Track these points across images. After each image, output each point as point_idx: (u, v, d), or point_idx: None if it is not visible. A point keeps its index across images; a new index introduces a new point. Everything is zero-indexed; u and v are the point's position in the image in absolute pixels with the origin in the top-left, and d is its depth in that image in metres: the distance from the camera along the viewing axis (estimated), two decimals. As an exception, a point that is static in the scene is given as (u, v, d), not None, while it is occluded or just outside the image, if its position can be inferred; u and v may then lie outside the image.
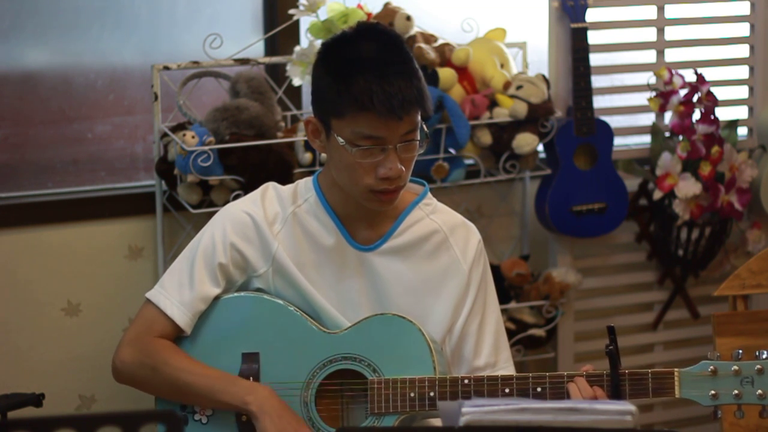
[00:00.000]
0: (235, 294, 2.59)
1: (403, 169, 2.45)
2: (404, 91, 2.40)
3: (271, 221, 2.58)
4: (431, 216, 2.63)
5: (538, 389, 2.44)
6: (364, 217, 2.58)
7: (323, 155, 3.21)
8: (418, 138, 2.47)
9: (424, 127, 2.49)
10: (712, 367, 2.39)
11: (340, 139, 2.43)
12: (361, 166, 2.44)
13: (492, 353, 2.62)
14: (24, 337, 3.31)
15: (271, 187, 2.64)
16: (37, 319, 3.32)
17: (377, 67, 2.41)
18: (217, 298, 2.58)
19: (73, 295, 3.34)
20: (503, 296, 3.52)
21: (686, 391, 2.40)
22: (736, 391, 2.38)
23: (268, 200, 2.60)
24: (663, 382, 2.41)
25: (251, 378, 2.53)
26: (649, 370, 2.42)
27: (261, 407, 2.45)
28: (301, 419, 2.49)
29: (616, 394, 2.41)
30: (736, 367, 2.38)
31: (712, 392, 2.38)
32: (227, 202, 3.20)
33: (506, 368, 2.63)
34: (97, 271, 3.36)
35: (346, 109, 2.41)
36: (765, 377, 2.37)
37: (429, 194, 2.66)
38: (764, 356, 2.37)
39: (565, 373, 2.45)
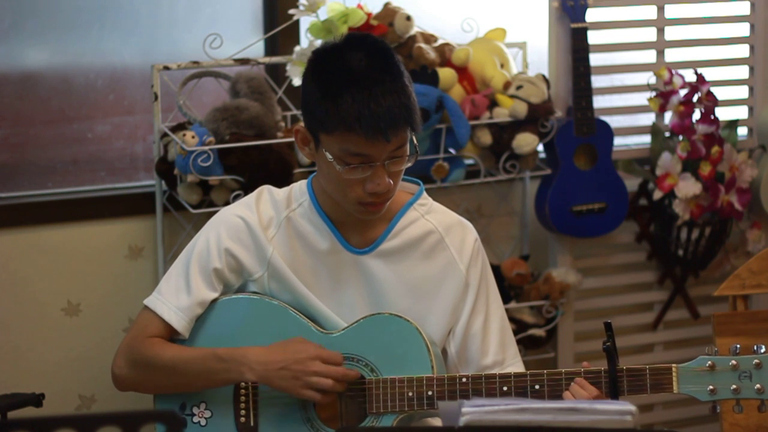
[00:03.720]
0: (233, 296, 2.59)
1: (391, 182, 2.44)
2: (393, 110, 2.37)
3: (265, 225, 2.58)
4: (426, 216, 2.62)
5: (536, 387, 2.44)
6: (358, 221, 2.56)
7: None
8: (408, 153, 2.45)
9: (414, 139, 2.46)
10: (710, 362, 2.39)
11: (329, 155, 2.42)
12: (350, 181, 2.43)
13: (499, 351, 2.61)
14: (24, 337, 3.31)
15: (266, 191, 2.63)
16: (37, 319, 3.32)
17: (366, 85, 2.37)
18: (214, 300, 2.58)
19: (73, 295, 3.34)
20: (503, 296, 3.49)
21: (684, 387, 2.40)
22: (734, 386, 2.38)
23: (263, 204, 2.60)
24: (661, 378, 2.41)
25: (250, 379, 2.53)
26: (647, 366, 2.42)
27: (259, 374, 2.45)
28: (300, 349, 2.46)
29: (614, 390, 2.41)
30: (734, 362, 2.38)
31: (710, 387, 2.39)
32: (227, 202, 3.20)
33: (515, 364, 2.62)
34: (97, 271, 3.36)
35: (334, 127, 2.39)
36: (763, 372, 2.37)
37: (424, 194, 2.64)
38: (762, 351, 2.38)
39: (563, 370, 2.45)
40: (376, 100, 2.36)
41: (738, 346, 2.38)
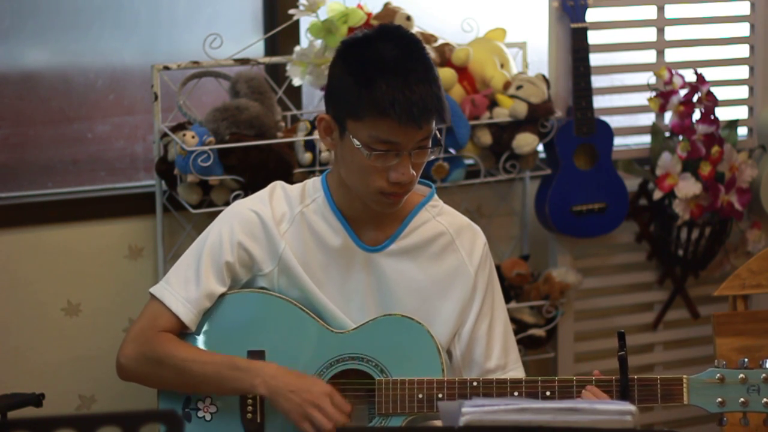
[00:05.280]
0: (242, 291, 2.59)
1: (414, 173, 2.46)
2: (425, 99, 2.40)
3: (278, 220, 2.58)
4: (438, 218, 2.63)
5: (548, 393, 2.44)
6: (371, 218, 2.57)
7: (324, 155, 3.22)
8: (431, 145, 2.47)
9: (438, 133, 2.49)
10: (719, 374, 2.40)
11: (356, 141, 2.43)
12: (374, 169, 2.44)
13: (502, 355, 2.62)
14: (24, 337, 3.31)
15: (279, 187, 2.63)
16: (37, 319, 3.32)
17: (400, 72, 2.40)
18: (223, 295, 2.57)
19: (73, 295, 3.34)
20: (503, 296, 3.52)
21: (695, 398, 2.41)
22: (742, 399, 2.39)
23: (276, 199, 2.60)
24: (671, 389, 2.42)
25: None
26: (658, 377, 2.43)
27: (270, 388, 2.45)
28: (316, 382, 2.46)
29: (624, 399, 2.41)
30: (742, 375, 2.39)
31: (719, 399, 2.40)
32: (227, 202, 3.20)
33: (516, 369, 2.63)
34: (97, 271, 3.36)
35: (366, 113, 2.40)
36: None
37: (435, 196, 2.66)
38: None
39: (575, 377, 2.45)
40: (410, 87, 2.39)
41: (746, 360, 2.40)
